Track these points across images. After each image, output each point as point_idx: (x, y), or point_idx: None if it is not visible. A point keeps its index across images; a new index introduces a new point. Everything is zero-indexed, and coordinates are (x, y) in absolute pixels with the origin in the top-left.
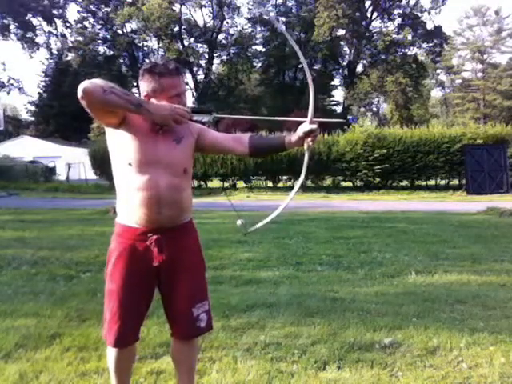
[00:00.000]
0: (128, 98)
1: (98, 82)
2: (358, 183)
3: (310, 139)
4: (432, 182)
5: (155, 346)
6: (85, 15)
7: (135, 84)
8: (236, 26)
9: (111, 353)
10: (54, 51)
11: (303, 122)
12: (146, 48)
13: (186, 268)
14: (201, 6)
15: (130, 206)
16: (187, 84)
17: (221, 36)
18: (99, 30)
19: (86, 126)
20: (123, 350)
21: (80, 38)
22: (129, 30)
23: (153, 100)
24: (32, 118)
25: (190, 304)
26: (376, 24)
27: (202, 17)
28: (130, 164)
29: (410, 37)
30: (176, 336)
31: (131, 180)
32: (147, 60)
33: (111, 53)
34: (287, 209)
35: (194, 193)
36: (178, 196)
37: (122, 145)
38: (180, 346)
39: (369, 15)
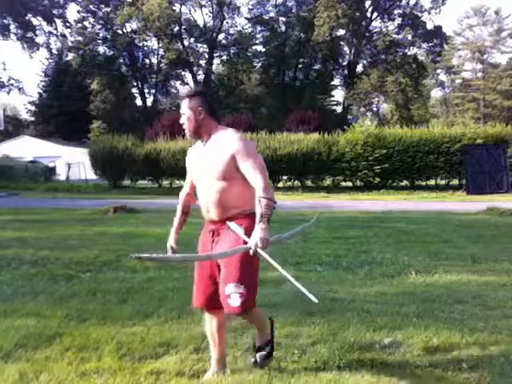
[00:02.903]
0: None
1: None
2: (358, 183)
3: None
4: (432, 182)
5: (155, 346)
6: (85, 15)
7: (135, 84)
8: (236, 26)
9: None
10: (54, 51)
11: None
12: (146, 48)
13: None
14: (201, 6)
15: None
16: (187, 84)
17: (221, 36)
18: (99, 30)
19: (85, 126)
20: (206, 311)
21: (80, 38)
22: (129, 29)
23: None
24: (32, 118)
25: (224, 281)
26: (376, 24)
27: (202, 17)
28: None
29: (410, 37)
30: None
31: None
32: (147, 60)
33: (111, 53)
34: (287, 209)
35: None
36: (219, 197)
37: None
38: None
39: (369, 15)
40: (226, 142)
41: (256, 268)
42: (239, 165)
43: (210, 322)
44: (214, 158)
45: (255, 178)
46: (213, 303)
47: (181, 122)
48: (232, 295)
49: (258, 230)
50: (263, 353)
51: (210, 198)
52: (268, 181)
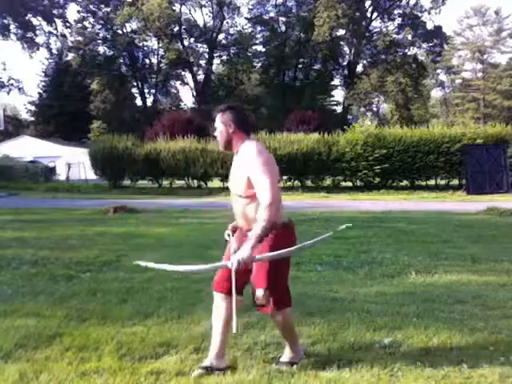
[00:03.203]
0: None
1: None
2: (358, 183)
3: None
4: (432, 182)
5: (155, 345)
6: (85, 15)
7: (135, 84)
8: (236, 26)
9: None
10: (54, 51)
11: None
12: (146, 48)
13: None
14: (201, 6)
15: None
16: (187, 84)
17: (221, 36)
18: (99, 30)
19: (86, 126)
20: (217, 293)
21: (80, 38)
22: (129, 29)
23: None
24: (32, 118)
25: (254, 286)
26: (376, 24)
27: (202, 17)
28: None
29: (410, 37)
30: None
31: None
32: (147, 60)
33: (111, 53)
34: (287, 209)
35: (194, 193)
36: (241, 210)
37: None
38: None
39: (369, 15)
40: (245, 160)
41: (283, 274)
42: (252, 181)
43: (217, 306)
44: (237, 175)
45: (261, 195)
46: (223, 286)
47: (215, 134)
48: (260, 297)
49: (244, 249)
50: (287, 367)
51: (237, 208)
52: (276, 200)
